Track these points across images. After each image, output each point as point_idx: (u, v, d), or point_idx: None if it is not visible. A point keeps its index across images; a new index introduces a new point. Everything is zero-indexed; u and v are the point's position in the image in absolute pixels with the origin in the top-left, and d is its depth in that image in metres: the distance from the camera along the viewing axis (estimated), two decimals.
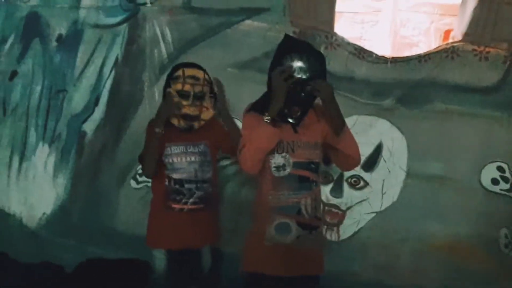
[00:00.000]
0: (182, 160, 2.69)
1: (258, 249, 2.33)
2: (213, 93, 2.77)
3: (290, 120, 2.29)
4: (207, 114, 2.71)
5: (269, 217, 2.30)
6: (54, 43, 3.42)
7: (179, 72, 2.68)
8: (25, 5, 3.46)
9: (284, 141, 2.28)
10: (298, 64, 2.21)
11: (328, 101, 2.22)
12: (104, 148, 3.34)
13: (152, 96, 3.23)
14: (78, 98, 3.39)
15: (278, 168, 2.29)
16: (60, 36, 3.41)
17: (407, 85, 3.02)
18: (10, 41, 3.51)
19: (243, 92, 2.96)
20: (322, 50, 2.99)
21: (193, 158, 2.70)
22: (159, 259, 2.74)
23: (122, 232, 3.27)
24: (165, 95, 2.70)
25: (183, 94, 2.65)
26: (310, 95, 2.25)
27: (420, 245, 3.03)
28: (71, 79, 3.39)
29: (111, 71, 3.33)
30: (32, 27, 3.45)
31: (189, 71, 2.68)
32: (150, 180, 2.90)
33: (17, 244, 3.46)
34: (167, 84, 2.71)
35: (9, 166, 3.53)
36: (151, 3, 3.24)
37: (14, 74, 3.51)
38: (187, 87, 2.64)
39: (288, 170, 2.28)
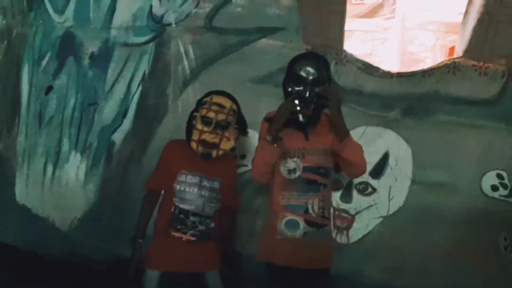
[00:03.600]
0: (194, 191, 2.65)
1: (270, 241, 2.56)
2: (239, 125, 2.73)
3: (301, 119, 2.47)
4: (228, 144, 2.66)
5: (280, 214, 2.52)
6: (87, 60, 3.63)
7: (207, 98, 2.68)
8: (61, 26, 3.70)
9: (296, 147, 2.50)
10: (306, 67, 2.43)
11: (334, 106, 2.41)
12: (131, 156, 3.52)
13: (176, 109, 3.43)
14: (108, 111, 3.58)
15: (289, 171, 2.51)
16: (92, 54, 3.62)
17: (412, 98, 3.15)
18: (46, 58, 3.75)
19: (260, 105, 3.08)
20: (332, 65, 3.13)
21: (203, 193, 2.66)
22: (151, 280, 2.68)
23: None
24: (192, 118, 2.70)
25: (206, 121, 2.62)
26: (321, 98, 2.43)
27: (425, 248, 3.11)
28: (102, 93, 3.60)
29: (138, 86, 3.53)
30: (67, 46, 3.68)
31: (216, 98, 2.67)
32: None
33: (50, 245, 3.62)
34: (196, 109, 2.71)
35: (44, 173, 3.72)
36: (175, 23, 3.44)
37: (49, 89, 3.74)
38: (210, 114, 2.62)
39: (298, 173, 2.50)
